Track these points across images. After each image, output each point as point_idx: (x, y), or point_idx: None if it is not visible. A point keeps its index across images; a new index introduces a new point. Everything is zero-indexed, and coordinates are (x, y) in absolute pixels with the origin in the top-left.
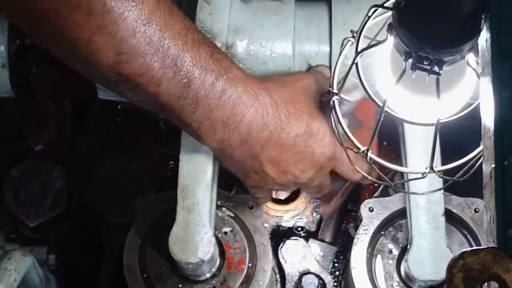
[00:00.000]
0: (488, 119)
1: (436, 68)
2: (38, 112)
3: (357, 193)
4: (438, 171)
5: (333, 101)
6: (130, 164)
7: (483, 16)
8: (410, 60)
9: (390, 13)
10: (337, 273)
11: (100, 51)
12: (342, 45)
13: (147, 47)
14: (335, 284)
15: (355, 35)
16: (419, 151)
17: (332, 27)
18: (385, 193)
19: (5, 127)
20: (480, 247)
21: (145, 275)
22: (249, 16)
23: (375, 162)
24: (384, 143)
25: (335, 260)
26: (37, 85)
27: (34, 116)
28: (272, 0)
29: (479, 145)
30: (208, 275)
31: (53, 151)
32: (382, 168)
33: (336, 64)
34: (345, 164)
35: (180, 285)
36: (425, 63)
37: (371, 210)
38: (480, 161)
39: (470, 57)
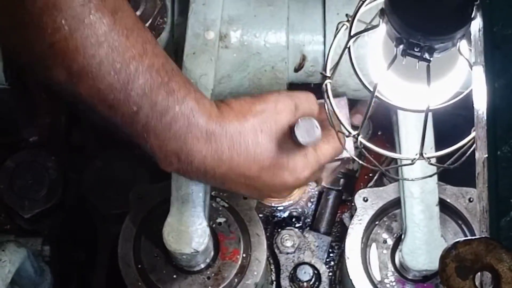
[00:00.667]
0: (481, 108)
1: (426, 55)
2: (32, 103)
3: (352, 183)
4: (428, 157)
5: (325, 85)
6: (125, 154)
7: (475, 4)
8: (401, 46)
9: None
10: (332, 263)
11: (53, 68)
12: (337, 29)
13: (96, 68)
14: (330, 274)
15: (349, 19)
16: (412, 138)
17: (325, 17)
18: (379, 183)
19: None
20: (473, 237)
21: (139, 266)
22: (243, 6)
23: (365, 147)
24: (379, 133)
25: (330, 250)
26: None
27: (29, 107)
28: None
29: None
30: (202, 266)
31: (47, 142)
32: (377, 156)
33: (330, 47)
34: (328, 168)
35: (174, 276)
36: (415, 49)
37: (365, 200)
38: (471, 149)
39: (462, 45)
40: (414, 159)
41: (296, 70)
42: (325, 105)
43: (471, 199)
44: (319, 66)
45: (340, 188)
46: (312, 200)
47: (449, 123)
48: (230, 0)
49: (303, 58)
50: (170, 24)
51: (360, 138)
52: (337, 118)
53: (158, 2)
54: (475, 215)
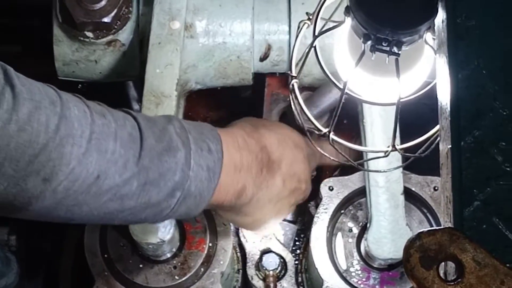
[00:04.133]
0: (444, 99)
1: (395, 49)
2: None
3: (317, 172)
4: (400, 149)
5: (292, 84)
6: None
7: None
8: (369, 42)
9: None
10: (298, 251)
11: None
12: (298, 28)
13: None
14: (296, 262)
15: (311, 17)
16: (378, 129)
17: (290, 6)
18: (344, 172)
19: None
20: (437, 228)
21: (105, 256)
22: None
23: (337, 143)
24: (345, 121)
25: (296, 238)
26: None
27: None
28: None
29: (437, 123)
30: (168, 255)
31: None
32: (345, 148)
33: (294, 47)
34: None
35: (140, 265)
36: (384, 44)
37: (330, 189)
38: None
39: (428, 35)
40: (387, 151)
41: (262, 59)
42: (293, 104)
43: (436, 188)
44: (284, 56)
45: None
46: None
47: (414, 112)
48: None
49: (269, 48)
50: (135, 14)
51: (331, 135)
52: (307, 116)
53: None
54: (440, 204)
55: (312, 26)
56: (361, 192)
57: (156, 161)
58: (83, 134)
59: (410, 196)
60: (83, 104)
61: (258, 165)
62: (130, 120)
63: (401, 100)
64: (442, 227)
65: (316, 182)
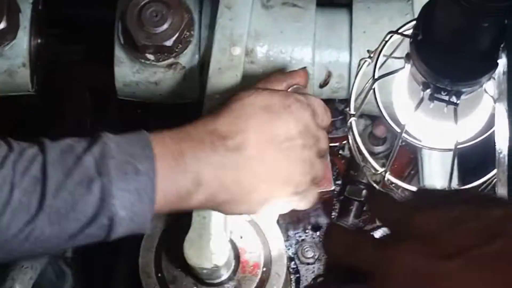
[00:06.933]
0: (503, 150)
1: (454, 99)
2: (59, 107)
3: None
4: None
5: (350, 122)
6: None
7: (500, 47)
8: (428, 91)
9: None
10: None
11: None
12: (359, 65)
13: None
14: None
15: (371, 55)
16: (436, 170)
17: (352, 35)
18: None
19: (25, 118)
20: None
21: (159, 275)
22: (269, 22)
23: (392, 182)
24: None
25: None
26: (59, 79)
27: (56, 111)
28: (293, 6)
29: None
30: (223, 278)
31: None
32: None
33: (353, 85)
34: None
35: (194, 287)
36: (443, 93)
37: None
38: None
39: (488, 84)
40: None
41: (321, 86)
42: (350, 142)
43: None
44: (344, 83)
45: (362, 199)
46: (333, 210)
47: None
48: (257, 16)
49: (329, 75)
50: (197, 37)
51: (387, 175)
52: (364, 156)
53: (185, 16)
54: None
55: (372, 64)
56: None
57: (66, 196)
58: None
59: None
60: None
61: (211, 149)
62: (38, 159)
63: (460, 146)
64: None
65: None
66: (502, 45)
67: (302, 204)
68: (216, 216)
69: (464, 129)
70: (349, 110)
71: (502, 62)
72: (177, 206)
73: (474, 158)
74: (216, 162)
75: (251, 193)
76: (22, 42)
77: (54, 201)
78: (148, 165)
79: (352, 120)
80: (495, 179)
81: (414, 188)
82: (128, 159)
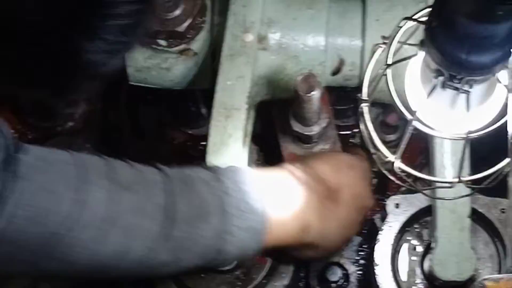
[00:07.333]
0: None
1: (466, 87)
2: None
3: (384, 183)
4: (466, 181)
5: (362, 108)
6: (160, 145)
7: None
8: (441, 78)
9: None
10: (361, 261)
11: None
12: (372, 51)
13: None
14: (359, 274)
15: (385, 42)
16: (448, 159)
17: (365, 22)
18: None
19: (35, 104)
20: (502, 276)
21: None
22: (282, 9)
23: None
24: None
25: (359, 248)
26: None
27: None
28: None
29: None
30: (232, 266)
31: (83, 129)
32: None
33: (366, 71)
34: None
35: (202, 275)
36: (455, 81)
37: (397, 206)
38: (507, 170)
39: (501, 74)
40: (453, 182)
41: (334, 73)
42: (362, 128)
43: (503, 210)
44: (357, 70)
45: (372, 187)
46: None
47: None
48: (270, 2)
49: (341, 62)
50: (209, 24)
51: (398, 163)
52: (374, 142)
53: (197, 1)
54: (507, 226)
55: (386, 51)
56: (427, 211)
57: (187, 229)
58: (98, 216)
59: (476, 217)
60: (107, 179)
61: (318, 198)
62: (160, 185)
63: (471, 136)
64: (507, 275)
65: (383, 192)
66: None
67: None
68: None
69: (476, 118)
70: (361, 96)
71: None
72: (282, 243)
73: (486, 147)
74: (323, 214)
75: (333, 243)
76: None
77: (178, 232)
78: (261, 204)
79: (364, 105)
80: (508, 168)
81: (425, 176)
82: (244, 197)
